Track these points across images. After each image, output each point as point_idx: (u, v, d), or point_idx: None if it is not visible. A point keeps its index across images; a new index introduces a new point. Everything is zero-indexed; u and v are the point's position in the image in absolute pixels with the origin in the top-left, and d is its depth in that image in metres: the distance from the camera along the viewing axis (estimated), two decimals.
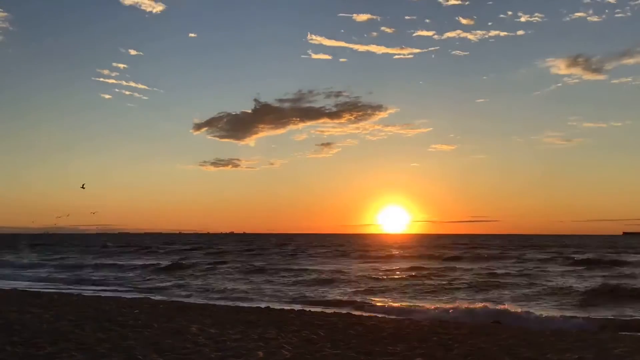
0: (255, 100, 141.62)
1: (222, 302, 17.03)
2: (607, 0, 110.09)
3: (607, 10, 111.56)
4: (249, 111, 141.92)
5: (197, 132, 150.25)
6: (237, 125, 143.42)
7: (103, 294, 18.52)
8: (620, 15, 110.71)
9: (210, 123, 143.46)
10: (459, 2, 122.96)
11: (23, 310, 11.75)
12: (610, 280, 22.80)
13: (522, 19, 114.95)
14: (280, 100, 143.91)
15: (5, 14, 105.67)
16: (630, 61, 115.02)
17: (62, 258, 45.88)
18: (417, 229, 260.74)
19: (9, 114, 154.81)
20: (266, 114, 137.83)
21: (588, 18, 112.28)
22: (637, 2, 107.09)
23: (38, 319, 10.47)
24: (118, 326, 9.79)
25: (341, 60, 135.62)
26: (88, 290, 21.13)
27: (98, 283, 25.60)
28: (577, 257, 41.50)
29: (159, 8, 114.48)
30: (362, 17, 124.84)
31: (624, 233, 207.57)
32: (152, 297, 17.49)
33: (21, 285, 23.16)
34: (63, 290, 20.55)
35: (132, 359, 7.02)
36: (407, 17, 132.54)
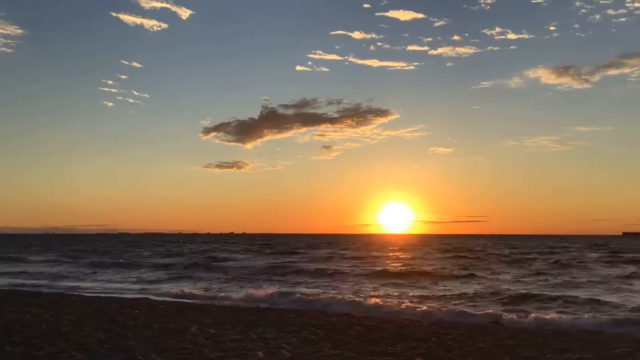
0: (264, 106, 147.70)
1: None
2: (592, 18, 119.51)
3: (592, 27, 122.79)
4: (256, 117, 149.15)
5: (206, 137, 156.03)
6: (243, 130, 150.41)
7: (103, 294, 18.52)
8: (605, 30, 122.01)
9: (219, 128, 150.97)
10: (448, 21, 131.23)
11: (23, 310, 11.75)
12: None
13: (510, 36, 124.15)
14: (285, 107, 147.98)
15: (21, 31, 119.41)
16: (615, 72, 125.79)
17: None
18: (418, 228, 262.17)
19: (20, 119, 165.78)
20: (271, 120, 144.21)
21: (576, 34, 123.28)
22: (620, 20, 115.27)
23: (38, 319, 10.47)
24: (118, 326, 9.80)
25: (341, 72, 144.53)
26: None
27: None
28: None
29: (159, 28, 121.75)
30: (358, 35, 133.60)
31: (624, 233, 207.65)
32: (152, 297, 17.49)
33: None
34: (64, 291, 20.54)
35: (132, 359, 7.02)
36: (401, 35, 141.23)
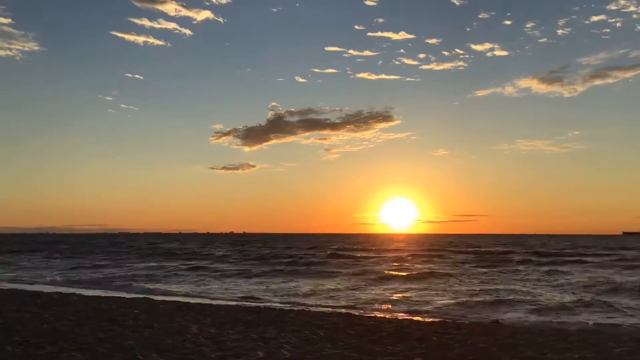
0: (271, 112, 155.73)
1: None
2: (578, 35, 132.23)
3: (580, 42, 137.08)
4: (262, 123, 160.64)
5: (216, 141, 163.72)
6: (251, 135, 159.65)
7: (103, 294, 18.51)
8: (591, 45, 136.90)
9: (228, 133, 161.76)
10: (440, 40, 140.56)
11: (23, 310, 11.76)
12: None
13: (501, 53, 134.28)
14: (290, 113, 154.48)
15: (38, 47, 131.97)
16: (600, 82, 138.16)
17: None
18: (418, 227, 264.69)
19: (29, 123, 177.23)
20: (277, 125, 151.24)
21: (564, 49, 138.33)
22: (603, 38, 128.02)
23: (38, 319, 10.47)
24: (118, 326, 9.80)
25: (341, 83, 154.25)
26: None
27: None
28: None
29: (158, 46, 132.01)
30: (354, 52, 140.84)
31: (624, 233, 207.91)
32: (153, 297, 17.48)
33: None
34: (63, 291, 20.54)
35: (132, 359, 7.02)
36: (395, 51, 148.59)
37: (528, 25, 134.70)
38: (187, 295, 19.07)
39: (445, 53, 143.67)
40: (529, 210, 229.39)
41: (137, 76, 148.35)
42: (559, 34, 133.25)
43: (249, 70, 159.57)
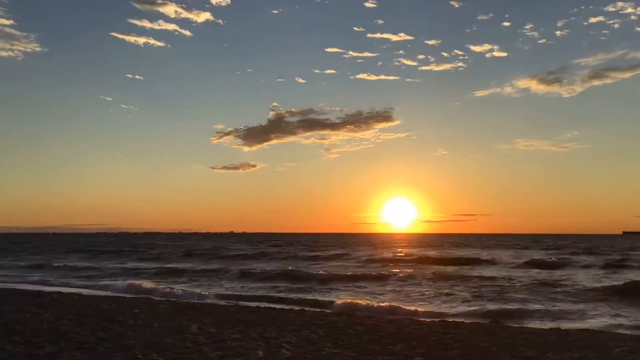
0: (272, 112, 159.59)
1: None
2: (576, 36, 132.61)
3: (577, 43, 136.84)
4: (263, 124, 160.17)
5: (217, 141, 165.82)
6: (251, 135, 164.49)
7: (103, 294, 18.51)
8: (589, 46, 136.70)
9: (229, 133, 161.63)
10: (439, 41, 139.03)
11: (23, 310, 11.77)
12: None
13: (500, 54, 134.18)
14: (291, 113, 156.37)
15: (40, 48, 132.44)
16: (598, 82, 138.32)
17: None
18: (418, 227, 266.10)
19: (29, 123, 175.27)
20: (277, 125, 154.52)
21: (563, 50, 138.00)
22: (600, 39, 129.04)
23: (38, 319, 10.48)
24: (118, 325, 9.81)
25: (341, 84, 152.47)
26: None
27: None
28: None
29: (162, 45, 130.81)
30: (353, 53, 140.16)
31: (624, 232, 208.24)
32: (152, 297, 17.49)
33: None
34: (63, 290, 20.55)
35: (132, 358, 7.02)
36: (394, 52, 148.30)
37: (527, 27, 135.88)
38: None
39: (445, 54, 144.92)
40: (529, 210, 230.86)
41: (137, 77, 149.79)
42: (558, 35, 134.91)
43: (249, 71, 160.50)
